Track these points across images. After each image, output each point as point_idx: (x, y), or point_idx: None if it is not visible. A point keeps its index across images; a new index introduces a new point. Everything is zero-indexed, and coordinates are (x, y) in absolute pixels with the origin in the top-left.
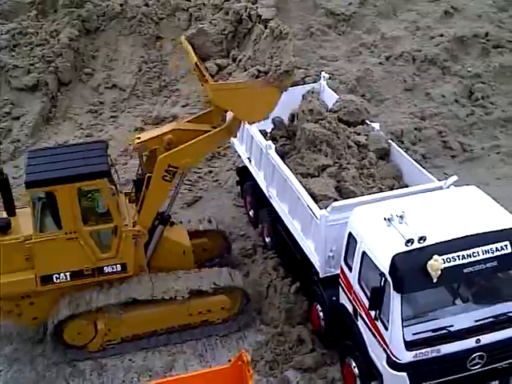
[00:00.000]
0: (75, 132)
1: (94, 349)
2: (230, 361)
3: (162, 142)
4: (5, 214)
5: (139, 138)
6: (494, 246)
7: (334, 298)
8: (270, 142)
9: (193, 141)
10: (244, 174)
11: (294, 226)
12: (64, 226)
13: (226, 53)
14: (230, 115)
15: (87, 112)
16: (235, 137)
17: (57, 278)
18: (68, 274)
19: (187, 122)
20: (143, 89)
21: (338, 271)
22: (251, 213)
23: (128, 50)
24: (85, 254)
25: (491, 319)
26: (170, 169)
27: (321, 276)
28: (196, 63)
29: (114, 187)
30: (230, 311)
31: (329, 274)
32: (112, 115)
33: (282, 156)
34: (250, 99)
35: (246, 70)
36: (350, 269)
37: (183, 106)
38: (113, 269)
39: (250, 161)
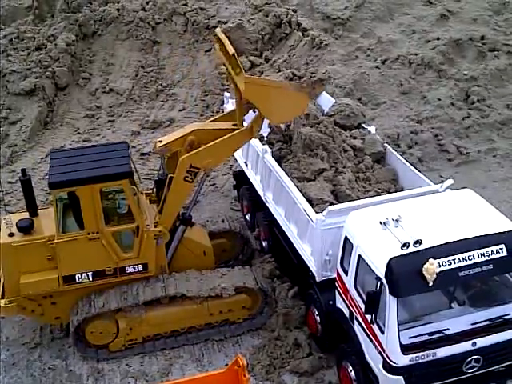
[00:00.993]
0: (72, 136)
1: (116, 349)
2: (226, 365)
3: (184, 143)
4: (27, 215)
5: (161, 141)
6: (489, 250)
7: (331, 302)
8: (266, 147)
9: (214, 142)
10: (241, 177)
11: (291, 230)
12: (86, 227)
13: (258, 52)
14: (251, 117)
15: (84, 116)
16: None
17: (79, 278)
18: (90, 274)
19: (209, 122)
20: (140, 93)
21: (335, 275)
22: (248, 216)
23: (125, 55)
24: (107, 254)
25: (487, 322)
26: (192, 169)
27: (317, 280)
28: (234, 54)
29: (135, 187)
30: (250, 310)
31: (325, 278)
32: (109, 119)
33: (279, 160)
34: (280, 99)
35: (279, 71)
36: (346, 272)
37: (180, 110)
38: (134, 269)
39: (246, 165)
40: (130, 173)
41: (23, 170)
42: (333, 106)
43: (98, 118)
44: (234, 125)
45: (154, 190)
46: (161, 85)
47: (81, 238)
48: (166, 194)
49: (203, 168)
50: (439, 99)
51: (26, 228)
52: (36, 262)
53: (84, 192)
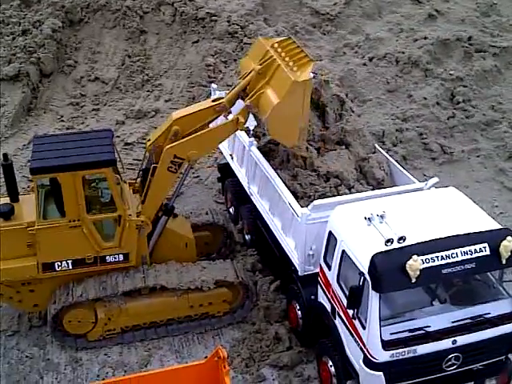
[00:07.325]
0: (56, 124)
1: (94, 338)
2: (206, 357)
3: (168, 134)
4: (8, 200)
5: (149, 140)
6: (472, 248)
7: (313, 297)
8: (252, 139)
9: (199, 133)
10: (225, 170)
11: (275, 224)
12: (67, 214)
13: None
14: (237, 108)
15: (68, 104)
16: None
17: (58, 266)
18: (70, 261)
19: None
20: (126, 82)
21: (317, 270)
22: (232, 210)
23: (111, 43)
24: (88, 242)
25: (468, 321)
26: (176, 160)
27: (300, 274)
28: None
29: (118, 176)
30: (231, 304)
31: (308, 273)
32: (94, 108)
33: (265, 153)
34: (292, 122)
35: None
36: (330, 267)
37: (166, 101)
38: (115, 258)
39: (231, 157)
40: (114, 161)
41: (5, 155)
42: None
43: (82, 106)
44: (213, 100)
45: (139, 179)
46: (147, 75)
47: (62, 225)
48: (150, 184)
49: (187, 159)
50: (425, 98)
51: (6, 213)
52: (15, 248)
53: (66, 179)
